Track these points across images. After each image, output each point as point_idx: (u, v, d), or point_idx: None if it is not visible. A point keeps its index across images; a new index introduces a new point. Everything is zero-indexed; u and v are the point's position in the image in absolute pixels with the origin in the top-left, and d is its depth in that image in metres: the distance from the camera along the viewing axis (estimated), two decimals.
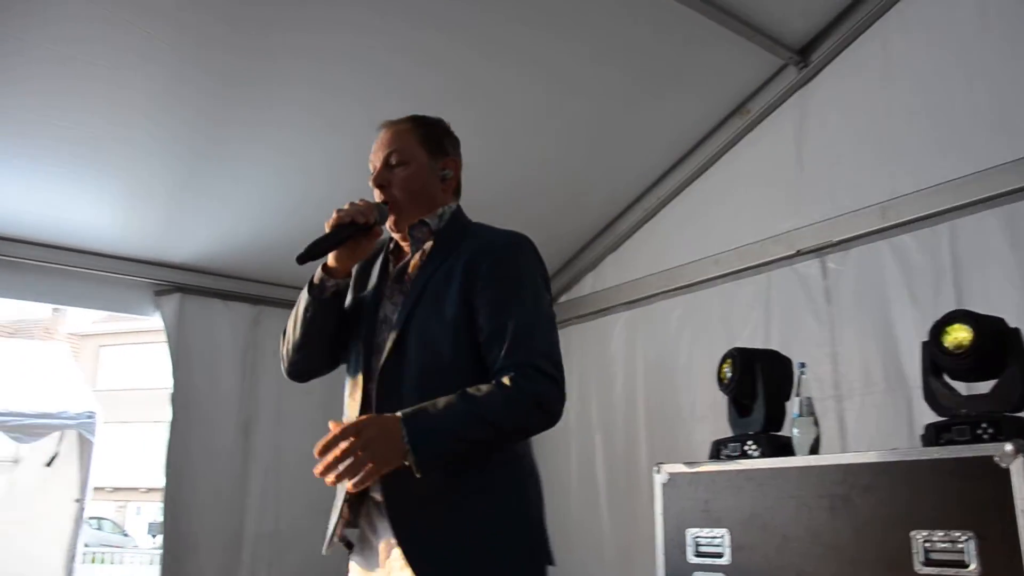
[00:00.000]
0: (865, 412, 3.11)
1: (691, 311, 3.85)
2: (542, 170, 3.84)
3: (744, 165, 3.71)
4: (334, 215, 1.79)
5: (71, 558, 5.27)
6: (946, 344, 2.12)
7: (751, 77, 3.57)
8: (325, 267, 1.86)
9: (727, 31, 3.24)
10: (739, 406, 2.56)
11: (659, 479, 2.50)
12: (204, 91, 3.01)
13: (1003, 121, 2.86)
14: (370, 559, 1.80)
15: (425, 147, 1.91)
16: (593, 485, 4.09)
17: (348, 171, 3.26)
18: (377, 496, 1.73)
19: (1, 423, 5.23)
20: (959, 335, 2.11)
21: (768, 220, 3.53)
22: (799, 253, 3.38)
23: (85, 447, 5.62)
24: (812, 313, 3.34)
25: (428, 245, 1.87)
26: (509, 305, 1.74)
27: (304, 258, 1.74)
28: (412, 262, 1.88)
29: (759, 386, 2.54)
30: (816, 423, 2.30)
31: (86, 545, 15.61)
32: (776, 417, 2.48)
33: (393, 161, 1.88)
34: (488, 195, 3.71)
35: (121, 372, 22.85)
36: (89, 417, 5.62)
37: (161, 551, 3.56)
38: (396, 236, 1.94)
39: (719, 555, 2.27)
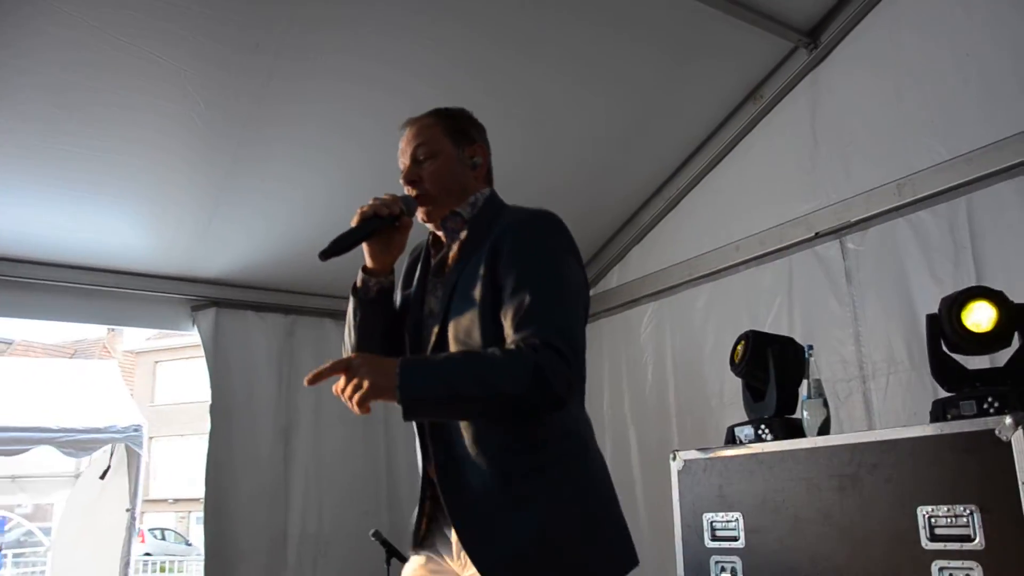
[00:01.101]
0: (891, 391, 3.10)
1: (715, 298, 3.86)
2: (562, 165, 3.88)
3: (761, 150, 3.71)
4: (358, 212, 1.76)
5: (125, 564, 5.51)
6: (965, 321, 2.12)
7: (762, 63, 3.57)
8: (364, 268, 1.85)
9: (734, 19, 3.25)
10: (753, 391, 2.58)
11: (675, 466, 2.54)
12: (227, 111, 3.12)
13: (1019, 90, 2.81)
14: (446, 551, 1.78)
15: (450, 138, 1.88)
16: (628, 474, 4.12)
17: (368, 178, 3.40)
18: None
19: (54, 439, 5.50)
20: (980, 312, 2.12)
21: (787, 203, 3.52)
22: (817, 236, 3.38)
23: (133, 459, 5.87)
24: (834, 295, 3.33)
25: (464, 234, 1.85)
26: (527, 281, 1.67)
27: (327, 254, 1.69)
28: (450, 254, 1.86)
29: (771, 370, 2.56)
30: (825, 404, 2.31)
31: (149, 554, 16.14)
32: (789, 401, 2.50)
33: (421, 156, 1.85)
34: (509, 195, 3.81)
35: (176, 387, 23.43)
36: (136, 430, 5.85)
37: (203, 557, 3.70)
38: (430, 227, 1.92)
39: (735, 539, 2.30)
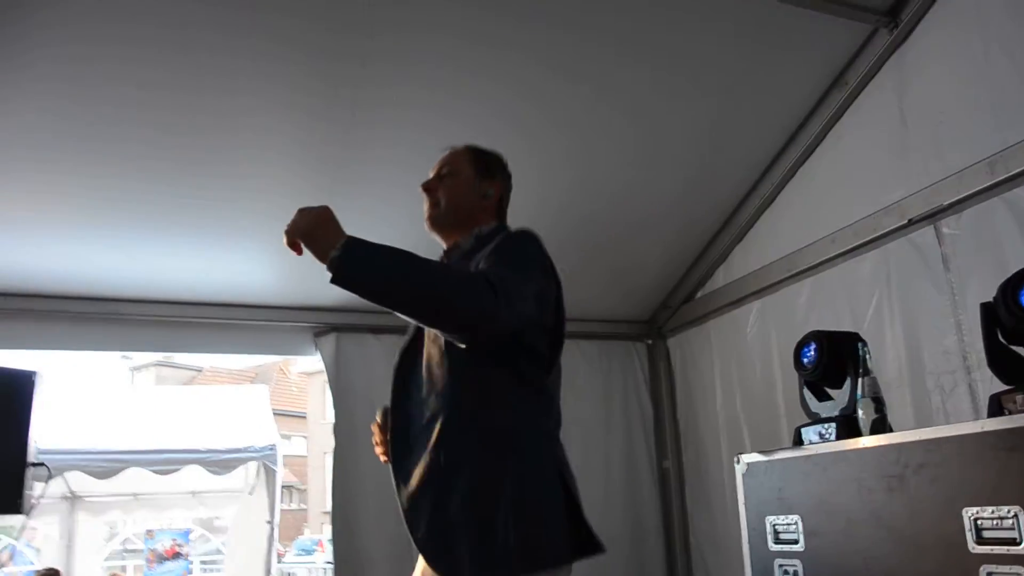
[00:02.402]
0: (997, 381, 2.90)
1: (816, 293, 3.76)
2: (660, 172, 3.93)
3: (850, 137, 3.58)
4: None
5: (267, 571, 6.04)
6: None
7: (843, 48, 3.44)
8: None
9: (810, 11, 3.18)
10: (816, 390, 2.53)
11: (739, 469, 2.53)
12: (328, 142, 3.39)
13: None
14: None
15: (473, 166, 2.16)
16: None
17: None
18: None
19: (201, 459, 6.17)
20: None
21: (879, 191, 3.38)
22: (911, 222, 3.22)
23: (271, 476, 6.43)
24: (932, 283, 3.17)
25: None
26: (493, 261, 1.88)
27: None
28: None
29: (849, 369, 2.49)
30: (875, 401, 2.23)
31: (330, 563, 17.06)
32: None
33: (444, 172, 2.15)
34: (612, 205, 3.93)
35: None
36: (271, 449, 6.40)
37: (332, 567, 3.98)
38: (439, 240, 2.17)
39: (795, 541, 2.28)
